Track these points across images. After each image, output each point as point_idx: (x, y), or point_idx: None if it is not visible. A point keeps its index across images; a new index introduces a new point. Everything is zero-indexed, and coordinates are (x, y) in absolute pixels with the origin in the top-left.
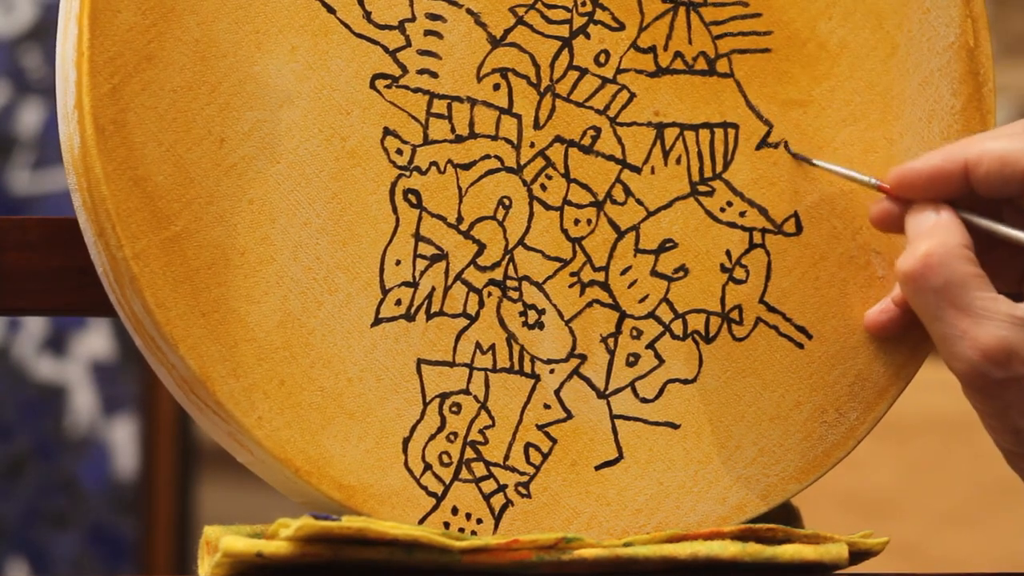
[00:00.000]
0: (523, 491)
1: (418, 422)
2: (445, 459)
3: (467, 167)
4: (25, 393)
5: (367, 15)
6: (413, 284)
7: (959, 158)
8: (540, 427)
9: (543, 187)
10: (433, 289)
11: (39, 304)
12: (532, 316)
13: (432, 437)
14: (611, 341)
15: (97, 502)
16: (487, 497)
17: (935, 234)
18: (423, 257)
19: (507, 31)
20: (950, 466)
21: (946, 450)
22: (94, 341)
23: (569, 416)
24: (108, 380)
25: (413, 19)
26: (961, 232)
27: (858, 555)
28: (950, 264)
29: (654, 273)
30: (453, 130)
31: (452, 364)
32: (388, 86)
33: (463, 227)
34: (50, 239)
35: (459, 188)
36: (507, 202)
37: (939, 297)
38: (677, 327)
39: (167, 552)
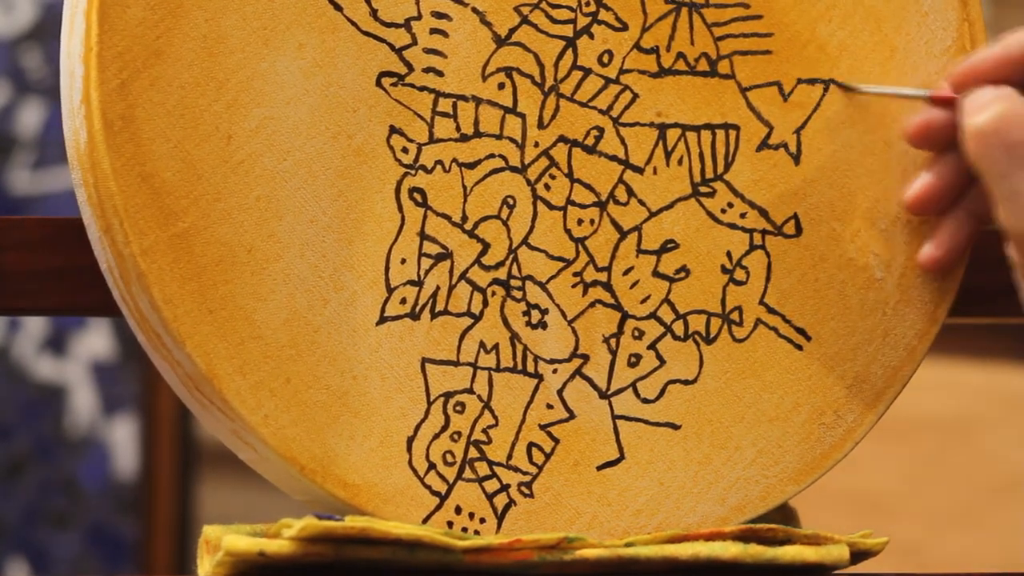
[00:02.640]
0: (526, 491)
1: (422, 421)
2: (449, 458)
3: (472, 166)
4: (25, 393)
5: (373, 13)
6: (418, 283)
7: (1019, 43)
8: (543, 427)
9: (547, 187)
10: (438, 288)
11: (39, 304)
12: (535, 316)
13: (436, 436)
14: (613, 341)
15: (97, 502)
16: (490, 497)
17: (1006, 99)
18: (428, 256)
19: (512, 30)
20: (950, 466)
21: (946, 450)
22: (94, 341)
23: (571, 416)
24: (108, 380)
25: (419, 17)
26: None
27: (858, 555)
28: None
29: (656, 274)
30: (458, 129)
31: (456, 363)
32: (394, 84)
33: (467, 226)
34: (50, 239)
35: (464, 187)
36: (511, 201)
37: (1011, 155)
38: (678, 328)
39: (167, 552)
